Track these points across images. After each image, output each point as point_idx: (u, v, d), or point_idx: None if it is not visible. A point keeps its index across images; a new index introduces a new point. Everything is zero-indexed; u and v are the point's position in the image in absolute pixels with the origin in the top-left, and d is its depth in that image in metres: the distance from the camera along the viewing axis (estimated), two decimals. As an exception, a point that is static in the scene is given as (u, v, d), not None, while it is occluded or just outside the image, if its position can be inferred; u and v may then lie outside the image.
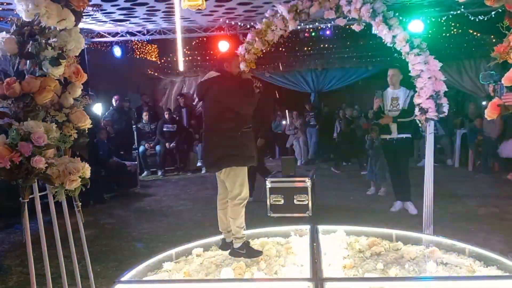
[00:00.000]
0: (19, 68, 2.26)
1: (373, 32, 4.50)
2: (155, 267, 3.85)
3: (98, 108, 9.09)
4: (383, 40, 4.47)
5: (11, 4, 6.47)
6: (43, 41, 2.30)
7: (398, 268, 3.51)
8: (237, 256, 3.86)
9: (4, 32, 2.24)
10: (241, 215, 3.87)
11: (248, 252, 3.86)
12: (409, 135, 5.86)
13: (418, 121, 4.53)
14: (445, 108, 4.39)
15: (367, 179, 7.42)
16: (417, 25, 7.39)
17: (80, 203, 2.56)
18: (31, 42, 2.27)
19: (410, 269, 3.51)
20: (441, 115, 4.40)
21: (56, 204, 2.41)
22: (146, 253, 4.37)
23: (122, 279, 3.44)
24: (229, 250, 4.03)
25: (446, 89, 4.43)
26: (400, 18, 4.37)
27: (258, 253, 3.90)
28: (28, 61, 2.29)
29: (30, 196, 2.23)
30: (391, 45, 4.45)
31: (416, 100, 4.43)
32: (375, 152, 7.12)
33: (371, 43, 10.95)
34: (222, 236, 4.11)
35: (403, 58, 4.45)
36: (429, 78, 4.32)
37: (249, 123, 3.94)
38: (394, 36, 4.34)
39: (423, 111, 4.37)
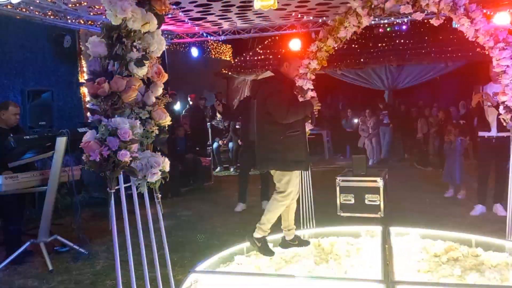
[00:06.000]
0: (108, 69, 2.45)
1: (453, 26, 4.29)
2: (227, 260, 4.00)
3: (177, 106, 9.55)
4: (465, 35, 4.23)
5: (100, 8, 7.01)
6: (129, 43, 2.47)
7: (477, 275, 3.34)
8: (251, 244, 3.90)
9: (95, 36, 2.45)
10: (277, 211, 3.84)
11: (262, 247, 3.88)
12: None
13: (503, 120, 4.23)
14: (534, 107, 4.07)
15: (444, 181, 7.06)
16: (503, 18, 6.87)
17: (160, 195, 2.72)
18: (118, 45, 2.45)
19: (490, 276, 3.32)
20: (529, 114, 4.09)
21: (138, 195, 2.58)
22: (219, 246, 4.53)
23: (197, 269, 3.63)
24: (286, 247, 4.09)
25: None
26: (484, 10, 4.10)
27: (270, 252, 3.90)
28: (115, 62, 2.47)
29: (116, 187, 2.41)
30: (473, 40, 4.20)
31: (501, 98, 4.14)
32: (453, 153, 6.77)
33: (450, 38, 10.35)
34: (282, 234, 4.15)
35: (487, 53, 4.19)
36: (516, 74, 4.03)
37: (297, 127, 3.84)
38: (476, 30, 4.10)
39: (509, 109, 4.08)
